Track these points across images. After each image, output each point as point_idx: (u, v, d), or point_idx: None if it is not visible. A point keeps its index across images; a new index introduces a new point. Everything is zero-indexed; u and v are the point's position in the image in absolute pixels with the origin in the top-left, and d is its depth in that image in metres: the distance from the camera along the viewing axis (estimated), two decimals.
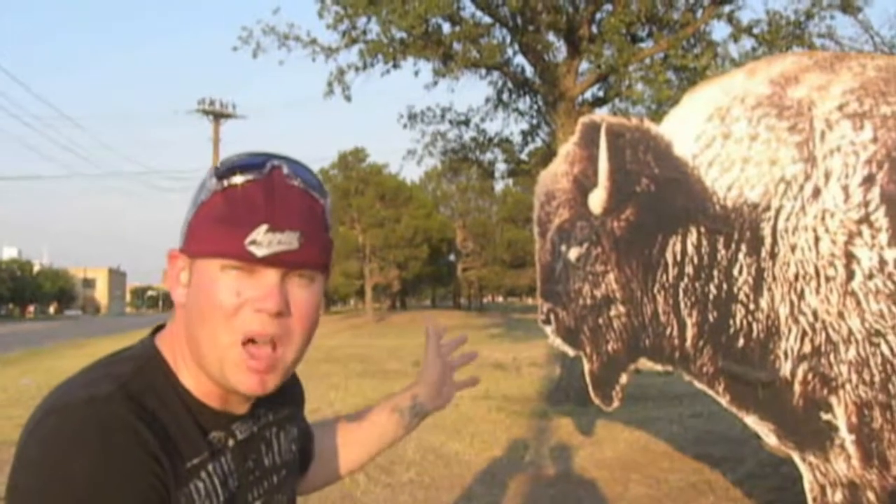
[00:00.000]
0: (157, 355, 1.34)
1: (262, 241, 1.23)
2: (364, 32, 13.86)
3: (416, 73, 14.74)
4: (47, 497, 1.14)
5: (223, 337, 1.26)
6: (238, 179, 1.27)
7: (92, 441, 1.16)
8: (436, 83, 14.81)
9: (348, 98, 14.16)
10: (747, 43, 13.79)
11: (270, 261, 1.24)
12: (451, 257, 67.80)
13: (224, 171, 1.28)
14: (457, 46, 13.64)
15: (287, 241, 1.24)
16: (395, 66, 14.02)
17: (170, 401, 1.29)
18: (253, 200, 1.25)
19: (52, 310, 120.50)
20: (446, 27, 13.85)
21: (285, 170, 1.30)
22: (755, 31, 13.54)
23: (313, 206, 1.32)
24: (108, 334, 39.60)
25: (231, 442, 1.37)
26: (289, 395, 1.57)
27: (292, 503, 1.56)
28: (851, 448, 4.30)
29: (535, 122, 15.91)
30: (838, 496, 4.35)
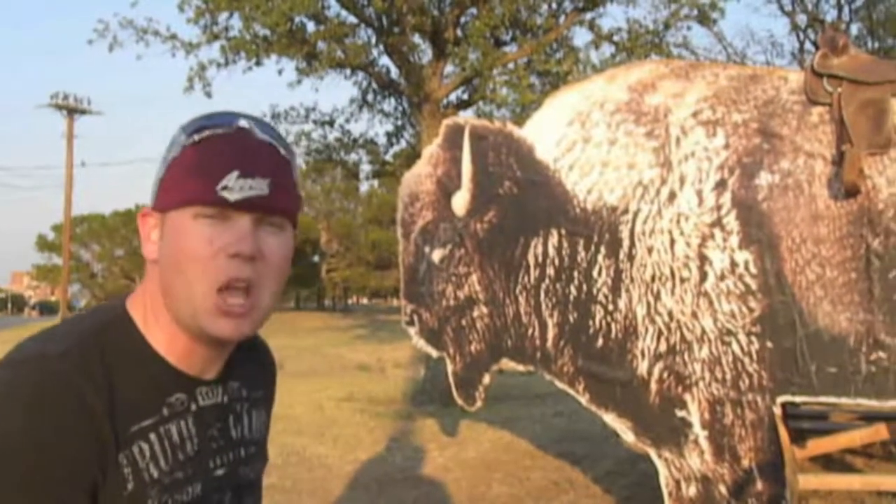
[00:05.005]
0: (125, 315, 1.33)
1: (234, 186, 1.26)
2: (226, 28, 13.59)
3: (280, 72, 14.53)
4: None
5: (198, 286, 1.27)
6: (207, 133, 1.30)
7: (27, 398, 1.16)
8: (300, 82, 14.63)
9: (209, 94, 13.86)
10: (608, 50, 14.14)
11: (242, 205, 1.27)
12: (316, 258, 67.20)
13: (194, 127, 1.32)
14: (321, 46, 13.51)
15: (258, 186, 1.28)
16: (258, 63, 13.78)
17: (130, 361, 1.29)
18: (222, 151, 1.29)
19: None
20: (311, 26, 13.70)
21: (253, 126, 1.33)
22: (615, 38, 13.90)
23: (280, 160, 1.35)
24: None
25: (193, 406, 1.36)
26: (267, 377, 1.58)
27: (259, 484, 1.55)
28: (704, 443, 4.44)
29: (400, 123, 15.92)
30: (692, 490, 4.48)
